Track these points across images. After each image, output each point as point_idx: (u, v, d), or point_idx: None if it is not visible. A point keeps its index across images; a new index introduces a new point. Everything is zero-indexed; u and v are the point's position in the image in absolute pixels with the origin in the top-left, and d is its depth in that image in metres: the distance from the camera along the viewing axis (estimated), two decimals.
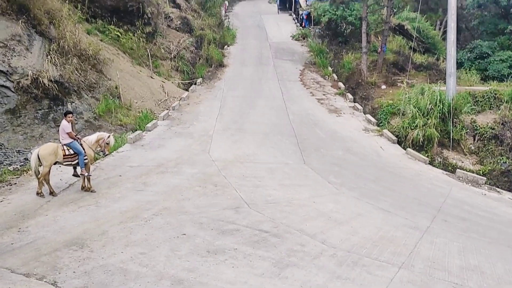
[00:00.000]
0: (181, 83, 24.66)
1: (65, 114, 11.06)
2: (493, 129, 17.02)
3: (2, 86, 14.60)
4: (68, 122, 10.85)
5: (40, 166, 10.53)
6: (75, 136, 11.08)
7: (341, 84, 25.50)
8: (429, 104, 17.55)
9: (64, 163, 10.93)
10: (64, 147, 10.76)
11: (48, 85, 15.35)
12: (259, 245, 8.73)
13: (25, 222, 9.23)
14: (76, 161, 10.89)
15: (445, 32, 25.86)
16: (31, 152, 13.43)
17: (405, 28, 30.95)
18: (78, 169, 11.23)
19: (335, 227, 10.07)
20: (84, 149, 10.92)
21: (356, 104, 22.60)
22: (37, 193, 10.62)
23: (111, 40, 22.37)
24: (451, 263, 8.89)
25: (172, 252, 8.19)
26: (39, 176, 10.52)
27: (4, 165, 12.90)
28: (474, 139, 17.26)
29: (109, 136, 11.54)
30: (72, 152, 10.78)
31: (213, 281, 7.22)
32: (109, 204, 10.44)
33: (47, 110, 15.43)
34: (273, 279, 7.46)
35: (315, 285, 7.38)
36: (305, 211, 10.87)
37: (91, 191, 11.09)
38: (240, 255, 8.22)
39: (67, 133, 10.77)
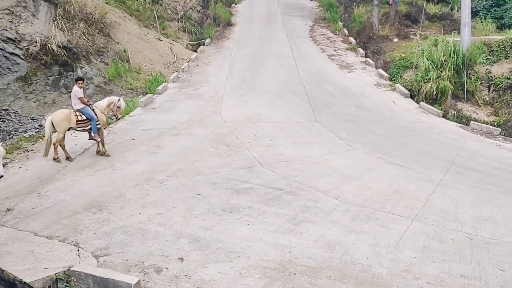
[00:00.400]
0: (190, 44, 24.38)
1: (76, 80, 11.13)
2: (509, 79, 16.62)
3: (12, 53, 14.64)
4: (79, 88, 10.91)
5: (54, 132, 10.68)
6: (87, 102, 11.16)
7: (352, 39, 24.97)
8: (443, 56, 17.13)
9: (78, 129, 11.06)
10: (77, 112, 10.85)
11: (57, 51, 15.36)
12: (273, 202, 8.87)
13: (44, 187, 9.46)
14: (89, 126, 11.00)
15: None
16: (45, 119, 13.62)
17: None
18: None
19: (348, 182, 10.15)
20: (96, 114, 11.02)
21: (368, 59, 22.18)
22: (54, 159, 10.82)
23: (117, 2, 22.07)
24: (464, 214, 8.95)
25: (188, 211, 8.37)
26: (54, 142, 10.69)
27: (19, 132, 13.14)
28: (489, 90, 16.93)
29: (119, 100, 11.58)
30: (84, 117, 10.89)
31: (229, 238, 7.40)
32: (124, 167, 10.62)
33: (57, 76, 15.50)
34: (288, 234, 7.62)
35: (329, 239, 7.53)
36: (317, 168, 10.94)
37: (106, 155, 11.27)
38: (254, 213, 8.37)
39: (78, 98, 10.84)
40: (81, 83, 11.08)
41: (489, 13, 25.01)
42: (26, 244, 7.07)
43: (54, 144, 10.72)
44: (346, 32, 26.33)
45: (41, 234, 7.47)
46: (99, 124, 11.08)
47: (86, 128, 11.07)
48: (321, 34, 26.38)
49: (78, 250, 6.95)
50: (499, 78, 16.78)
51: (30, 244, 7.08)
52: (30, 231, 7.58)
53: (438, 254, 7.29)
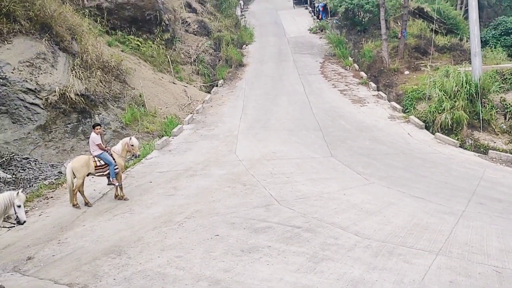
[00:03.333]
0: (203, 86, 24.88)
1: (94, 127, 11.38)
2: None
3: (32, 103, 15.09)
4: (97, 134, 11.15)
5: (75, 178, 10.85)
6: (105, 147, 11.38)
7: (363, 74, 25.21)
8: (455, 86, 17.18)
9: (96, 174, 11.23)
10: (95, 158, 11.05)
11: (75, 99, 15.79)
12: (292, 241, 8.76)
13: (64, 233, 9.53)
14: (108, 171, 11.16)
15: (466, 11, 25.16)
16: (64, 166, 13.87)
17: (425, 10, 30.30)
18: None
19: (367, 218, 9.99)
20: (114, 159, 11.20)
21: (380, 92, 22.30)
22: (73, 205, 10.93)
23: (132, 49, 22.81)
24: (490, 246, 8.69)
25: (207, 253, 8.30)
26: (73, 188, 10.84)
27: (39, 180, 13.34)
28: (505, 118, 16.78)
29: (130, 138, 11.68)
30: (103, 163, 11.07)
31: (249, 280, 7.29)
32: (142, 211, 10.67)
33: (76, 123, 15.87)
34: (309, 274, 7.48)
35: (351, 277, 7.36)
36: (335, 203, 10.83)
37: (124, 199, 11.35)
38: (274, 252, 8.26)
39: (96, 145, 11.06)
40: (99, 129, 11.35)
41: (499, 42, 25.16)
42: None
43: (73, 191, 10.86)
44: (357, 67, 26.63)
45: (61, 282, 7.47)
46: (117, 168, 11.23)
47: (105, 173, 11.22)
48: (332, 70, 26.71)
49: None
50: None
51: None
52: (51, 279, 7.59)
53: None
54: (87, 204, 11.07)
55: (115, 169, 11.16)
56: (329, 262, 7.89)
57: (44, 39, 16.25)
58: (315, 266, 7.74)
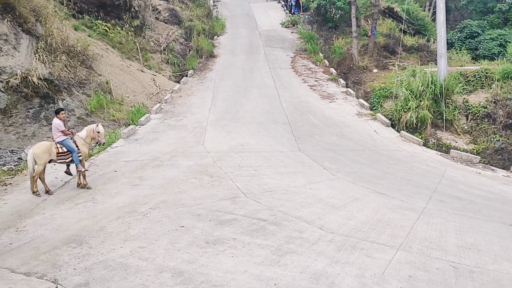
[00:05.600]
0: (172, 75, 24.53)
1: (57, 112, 10.98)
2: (485, 108, 17.11)
3: None
4: (61, 120, 10.79)
5: (36, 165, 10.49)
6: (70, 130, 11.03)
7: (332, 70, 25.46)
8: (421, 86, 17.62)
9: (58, 161, 10.89)
10: (58, 145, 10.71)
11: (38, 83, 15.23)
12: (257, 233, 8.77)
13: (22, 221, 9.21)
14: (70, 158, 10.84)
15: (434, 13, 25.77)
16: (24, 152, 13.39)
17: (395, 10, 30.84)
18: (72, 167, 11.22)
19: (332, 212, 10.13)
20: (77, 146, 10.89)
21: (349, 89, 22.61)
22: (33, 192, 10.58)
23: (99, 35, 22.17)
24: (448, 242, 8.98)
25: (171, 244, 8.21)
26: (33, 174, 10.48)
27: None
28: (467, 119, 17.36)
29: (97, 125, 11.39)
30: (65, 150, 10.74)
31: (213, 271, 7.26)
32: (105, 200, 10.43)
33: (38, 108, 15.32)
34: (273, 266, 7.51)
35: (314, 270, 7.44)
36: (301, 198, 10.92)
37: (87, 188, 11.07)
38: (239, 245, 8.25)
39: (61, 131, 10.70)
40: (63, 114, 10.97)
41: (464, 45, 25.95)
42: (2, 282, 6.81)
43: (33, 177, 10.50)
44: (327, 63, 26.87)
45: (19, 270, 7.22)
46: (80, 156, 10.93)
47: (67, 161, 10.90)
48: (303, 65, 26.86)
49: (56, 287, 6.72)
50: (476, 107, 17.25)
51: (6, 282, 6.82)
52: (7, 268, 7.32)
53: (424, 284, 7.26)
54: (48, 192, 10.72)
55: (78, 156, 10.85)
56: (293, 255, 7.95)
57: (6, 20, 15.56)
58: (279, 259, 7.78)
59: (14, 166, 12.91)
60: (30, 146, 13.71)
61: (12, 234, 8.63)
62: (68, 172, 11.36)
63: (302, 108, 19.68)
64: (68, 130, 10.97)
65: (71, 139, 10.93)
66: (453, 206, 11.26)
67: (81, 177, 11.16)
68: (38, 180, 10.62)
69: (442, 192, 12.18)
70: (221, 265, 7.48)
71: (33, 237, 8.52)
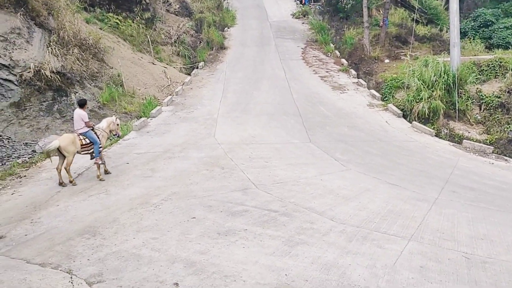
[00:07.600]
0: (183, 67, 24.59)
1: (82, 104, 11.14)
2: (499, 97, 16.85)
3: (5, 80, 14.67)
4: (85, 112, 11.03)
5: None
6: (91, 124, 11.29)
7: (344, 61, 25.30)
8: (434, 76, 17.39)
9: (82, 153, 11.07)
10: (81, 136, 10.88)
11: (51, 76, 15.40)
12: (268, 224, 8.81)
13: (37, 213, 9.36)
14: (92, 150, 11.06)
15: (447, 2, 25.37)
16: (38, 144, 13.58)
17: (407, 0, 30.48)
18: None
19: (343, 203, 10.12)
20: (98, 138, 11.09)
21: (360, 79, 22.45)
22: (70, 182, 10.88)
23: (111, 28, 22.30)
24: (460, 233, 8.92)
25: (183, 235, 8.29)
26: (65, 166, 10.73)
27: (12, 158, 13.05)
28: (480, 109, 17.13)
29: (117, 118, 11.96)
30: (88, 141, 10.96)
31: (225, 262, 7.32)
32: (118, 192, 10.55)
33: (51, 101, 15.50)
34: (284, 257, 7.55)
35: (325, 261, 7.46)
36: (312, 189, 10.92)
37: (100, 180, 11.21)
38: (250, 236, 8.30)
39: (85, 122, 10.89)
40: (87, 106, 11.26)
41: (478, 34, 25.50)
42: (18, 272, 6.95)
43: (66, 168, 10.75)
44: (338, 53, 26.70)
45: (34, 261, 7.35)
46: (101, 147, 11.16)
47: (90, 152, 11.14)
48: (313, 56, 26.71)
49: (71, 278, 6.83)
50: (490, 97, 17.00)
51: (22, 272, 6.96)
52: (23, 258, 7.47)
53: (435, 274, 7.24)
54: (61, 184, 10.88)
55: (100, 147, 11.06)
56: (304, 246, 7.97)
57: (19, 14, 15.74)
58: (290, 249, 7.82)
59: (29, 158, 13.10)
60: (44, 138, 13.91)
61: (27, 226, 8.78)
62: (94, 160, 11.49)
63: (313, 99, 19.60)
64: (90, 123, 11.18)
65: (92, 130, 11.14)
66: (465, 196, 11.17)
67: (97, 168, 11.32)
68: (56, 170, 10.82)
69: (454, 183, 12.08)
70: (232, 256, 7.53)
71: (47, 228, 8.66)
